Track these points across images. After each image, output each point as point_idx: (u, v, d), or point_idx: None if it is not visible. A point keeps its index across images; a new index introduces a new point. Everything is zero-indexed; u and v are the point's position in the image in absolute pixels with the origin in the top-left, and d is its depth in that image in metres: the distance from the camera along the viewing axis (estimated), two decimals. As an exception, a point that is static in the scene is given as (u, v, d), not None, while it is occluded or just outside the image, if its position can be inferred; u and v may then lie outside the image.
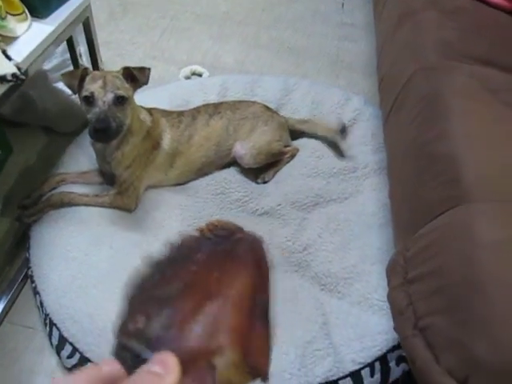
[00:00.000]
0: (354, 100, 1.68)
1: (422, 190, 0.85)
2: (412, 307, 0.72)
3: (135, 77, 1.19)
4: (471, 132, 0.83)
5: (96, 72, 1.22)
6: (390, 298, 0.80)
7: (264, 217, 1.38)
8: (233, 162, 1.49)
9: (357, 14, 2.40)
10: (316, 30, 2.29)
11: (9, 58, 1.05)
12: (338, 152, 1.52)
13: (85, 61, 1.64)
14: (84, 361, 1.06)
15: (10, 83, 1.03)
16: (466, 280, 0.66)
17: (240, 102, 1.55)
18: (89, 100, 1.16)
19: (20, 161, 1.60)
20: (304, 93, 1.70)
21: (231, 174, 1.47)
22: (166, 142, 1.38)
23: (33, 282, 1.22)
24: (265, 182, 1.47)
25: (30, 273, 1.24)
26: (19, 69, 1.04)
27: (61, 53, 1.63)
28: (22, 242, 1.34)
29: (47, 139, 1.71)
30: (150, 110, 1.39)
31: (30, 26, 1.18)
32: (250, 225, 1.27)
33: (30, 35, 1.16)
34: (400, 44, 1.25)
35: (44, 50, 1.17)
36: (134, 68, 1.20)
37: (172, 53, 2.14)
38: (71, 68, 1.59)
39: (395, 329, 0.79)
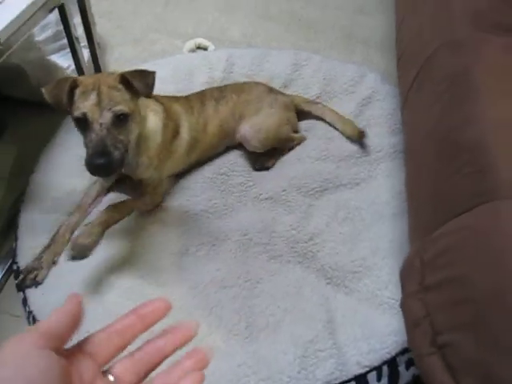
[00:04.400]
0: (369, 77, 1.55)
1: (444, 182, 0.74)
2: (429, 319, 0.62)
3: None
4: (504, 116, 0.72)
5: (87, 81, 0.97)
6: (404, 306, 0.70)
7: (267, 202, 1.28)
8: (236, 145, 1.39)
9: (374, -16, 2.24)
10: (329, 2, 2.14)
11: (-14, 25, 0.95)
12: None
13: (80, 32, 1.52)
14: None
15: (-12, 54, 0.93)
16: (494, 293, 0.56)
17: (243, 84, 1.44)
18: (81, 122, 0.94)
19: (15, 137, 1.53)
20: (315, 69, 1.58)
21: (235, 155, 1.38)
22: (185, 130, 1.26)
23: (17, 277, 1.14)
24: (265, 169, 1.36)
25: (14, 267, 1.16)
26: (-3, 38, 0.94)
27: (55, 22, 1.52)
28: (11, 229, 1.26)
29: (43, 116, 1.62)
30: (155, 99, 1.21)
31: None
32: (251, 211, 1.14)
33: (13, 0, 1.05)
34: (423, 15, 1.11)
35: (29, 18, 1.07)
36: (133, 73, 0.97)
37: (176, 25, 2.02)
38: (65, 41, 1.46)
39: (409, 343, 0.70)
